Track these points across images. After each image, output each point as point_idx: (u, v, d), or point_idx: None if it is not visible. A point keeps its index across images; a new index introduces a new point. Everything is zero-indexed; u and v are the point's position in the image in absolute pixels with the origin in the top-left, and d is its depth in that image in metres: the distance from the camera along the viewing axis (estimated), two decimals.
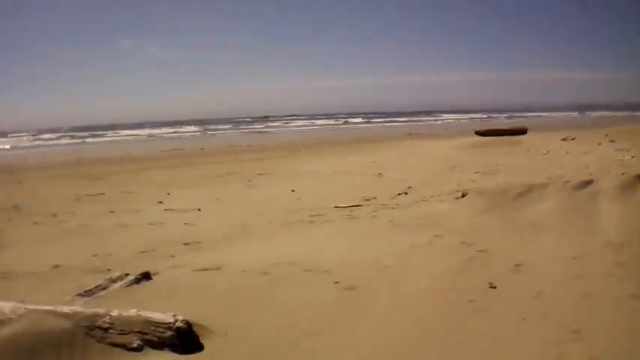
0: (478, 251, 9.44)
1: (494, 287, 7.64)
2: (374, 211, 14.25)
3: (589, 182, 12.68)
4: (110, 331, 5.96)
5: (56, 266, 10.27)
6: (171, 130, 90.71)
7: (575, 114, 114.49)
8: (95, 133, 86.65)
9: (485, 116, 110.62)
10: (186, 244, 11.84)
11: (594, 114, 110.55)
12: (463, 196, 13.98)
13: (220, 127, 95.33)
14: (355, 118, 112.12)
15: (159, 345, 5.93)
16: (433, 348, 5.97)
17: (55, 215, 16.23)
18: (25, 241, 12.84)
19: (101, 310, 6.25)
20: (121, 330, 5.97)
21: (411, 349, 5.94)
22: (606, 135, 33.07)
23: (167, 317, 6.07)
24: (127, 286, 8.32)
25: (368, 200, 16.29)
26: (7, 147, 66.53)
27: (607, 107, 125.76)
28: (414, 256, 9.47)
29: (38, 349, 5.69)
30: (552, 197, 12.40)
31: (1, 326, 5.99)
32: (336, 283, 8.10)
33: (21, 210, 17.30)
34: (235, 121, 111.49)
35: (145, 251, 11.31)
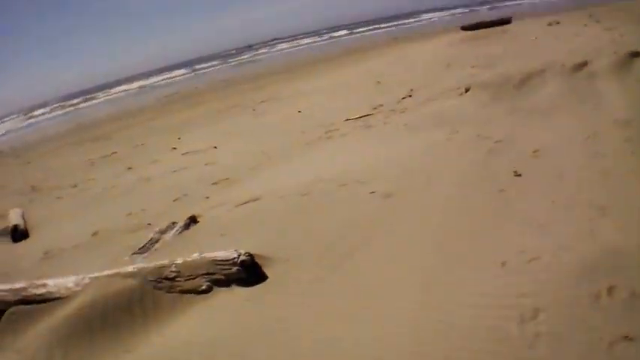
0: (495, 142, 9.63)
1: (519, 175, 7.84)
2: (386, 118, 14.40)
3: (584, 64, 13.09)
4: (178, 279, 6.12)
5: (95, 233, 10.39)
6: (160, 78, 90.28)
7: None
8: (87, 96, 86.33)
9: (467, 10, 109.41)
10: (214, 183, 12.00)
11: None
12: (467, 90, 14.24)
13: (208, 64, 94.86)
14: (338, 31, 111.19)
15: (226, 282, 6.11)
16: (474, 239, 6.19)
17: (75, 186, 16.28)
18: (54, 218, 12.89)
19: (165, 261, 6.42)
20: (188, 276, 6.14)
21: (453, 243, 6.17)
22: (590, 15, 32.73)
23: (230, 253, 6.22)
24: (179, 233, 8.51)
25: (375, 108, 16.39)
26: (3, 132, 66.32)
27: None
28: (437, 155, 9.66)
29: (110, 313, 5.83)
30: (552, 81, 12.72)
31: (68, 301, 6.13)
32: (372, 192, 8.28)
33: (39, 189, 17.26)
34: (221, 56, 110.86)
35: (177, 199, 11.46)
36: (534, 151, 8.68)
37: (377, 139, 12.22)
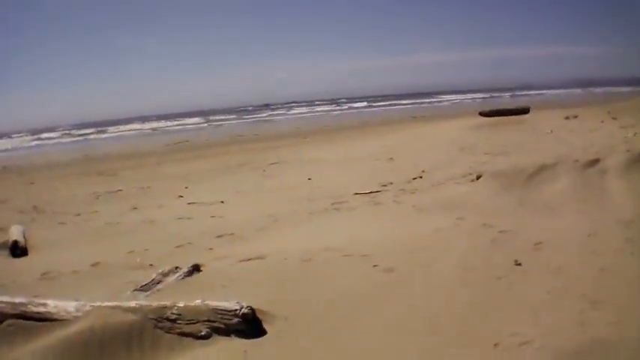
0: (499, 232, 9.75)
1: (520, 264, 7.99)
2: (395, 197, 14.51)
3: (596, 161, 13.24)
4: (178, 321, 6.19)
5: (96, 264, 10.49)
6: (174, 122, 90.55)
7: (578, 90, 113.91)
8: (98, 129, 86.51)
9: (488, 95, 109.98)
10: (219, 236, 12.07)
11: (597, 90, 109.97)
12: (478, 178, 14.32)
13: (223, 117, 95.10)
14: (358, 102, 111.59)
15: (226, 332, 6.17)
16: (469, 320, 6.35)
17: (78, 214, 16.39)
18: (55, 241, 12.98)
19: (167, 302, 6.49)
20: (189, 320, 6.21)
21: (451, 326, 6.27)
22: (609, 112, 33.06)
23: (233, 305, 6.31)
24: (181, 278, 8.56)
25: (385, 185, 16.49)
26: (9, 147, 66.36)
27: (610, 83, 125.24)
28: (442, 238, 9.78)
29: (108, 343, 5.90)
30: (563, 176, 12.87)
31: (67, 324, 6.21)
32: (375, 266, 8.38)
33: (42, 210, 17.39)
34: (237, 111, 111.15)
35: (180, 245, 11.52)
36: (536, 244, 8.86)
37: (384, 216, 12.40)
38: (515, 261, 8.07)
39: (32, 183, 25.89)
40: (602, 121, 28.67)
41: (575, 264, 7.81)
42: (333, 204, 14.43)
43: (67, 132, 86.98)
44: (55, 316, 6.40)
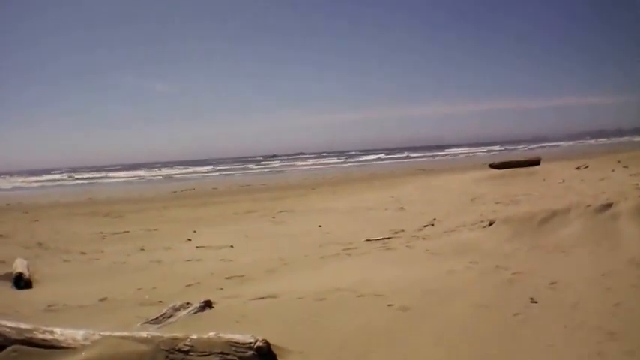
0: (513, 273, 9.68)
1: (535, 302, 7.97)
2: (407, 242, 14.42)
3: (609, 205, 13.05)
4: (191, 353, 6.04)
5: (103, 299, 10.39)
6: (180, 170, 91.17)
7: (589, 141, 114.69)
8: (102, 174, 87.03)
9: (500, 148, 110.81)
10: (228, 277, 11.94)
11: (608, 140, 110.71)
12: (490, 224, 14.20)
13: (229, 166, 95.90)
14: (366, 155, 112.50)
15: None
16: (485, 354, 6.35)
17: (83, 253, 16.29)
18: (60, 277, 12.86)
19: (180, 334, 6.34)
20: (201, 352, 6.05)
21: (466, 356, 6.33)
22: (619, 161, 33.30)
23: (247, 337, 6.17)
24: (193, 313, 8.42)
25: (397, 233, 16.41)
26: (10, 187, 66.68)
27: (620, 133, 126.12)
28: (456, 280, 9.71)
29: None
30: (575, 221, 12.75)
31: (74, 353, 6.03)
32: (390, 305, 8.28)
33: (46, 247, 17.33)
34: (244, 161, 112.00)
35: (190, 284, 11.41)
36: (551, 283, 8.81)
37: (397, 260, 12.24)
38: (531, 299, 8.07)
39: (37, 220, 25.96)
40: (613, 170, 28.89)
41: (590, 300, 7.83)
42: (344, 249, 14.32)
43: (70, 175, 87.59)
44: (62, 344, 6.24)
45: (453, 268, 10.46)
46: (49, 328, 6.44)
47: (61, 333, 6.37)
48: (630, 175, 24.78)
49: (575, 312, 7.37)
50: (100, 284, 11.82)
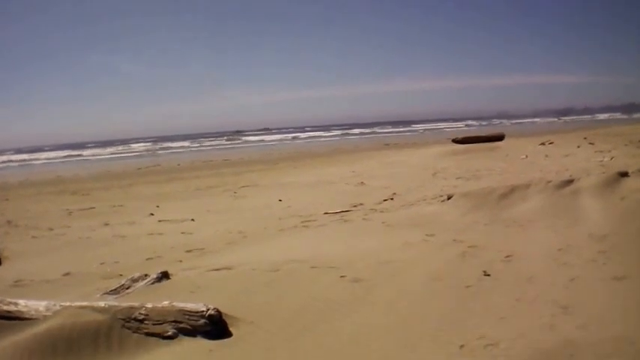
0: (469, 246, 9.85)
1: (488, 275, 8.10)
2: (365, 215, 14.71)
3: (570, 181, 13.15)
4: (146, 322, 6.34)
5: (67, 274, 10.67)
6: (146, 146, 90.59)
7: (554, 119, 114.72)
8: (63, 152, 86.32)
9: (463, 124, 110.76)
10: (188, 250, 12.25)
11: (574, 118, 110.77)
12: (449, 198, 14.40)
13: (194, 143, 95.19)
14: (331, 130, 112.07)
15: (192, 332, 6.31)
16: (435, 324, 6.50)
17: (51, 229, 16.55)
18: (28, 253, 13.18)
19: (136, 303, 6.63)
20: (156, 320, 6.35)
21: (416, 330, 6.42)
22: (585, 138, 33.43)
23: (199, 306, 6.48)
24: (150, 284, 8.66)
25: (356, 206, 16.70)
26: None
27: (588, 111, 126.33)
28: (411, 252, 9.88)
29: (76, 341, 6.03)
30: (535, 196, 12.87)
31: (37, 323, 6.35)
32: (342, 277, 8.50)
33: (15, 225, 17.57)
34: (210, 136, 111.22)
35: (150, 258, 11.73)
36: (506, 256, 8.94)
37: (353, 232, 12.47)
38: (484, 272, 8.21)
39: (7, 200, 26.06)
40: (579, 147, 28.97)
41: (545, 274, 7.94)
42: (302, 222, 14.64)
43: (41, 153, 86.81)
44: (25, 315, 6.53)
45: (409, 241, 10.67)
46: (13, 300, 6.73)
47: (24, 305, 6.66)
48: (595, 152, 24.98)
49: (529, 285, 7.52)
50: (65, 259, 12.14)
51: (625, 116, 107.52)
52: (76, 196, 26.26)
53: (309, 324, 6.76)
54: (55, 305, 6.65)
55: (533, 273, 8.01)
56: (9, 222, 18.00)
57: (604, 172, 14.68)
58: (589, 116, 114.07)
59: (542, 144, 33.09)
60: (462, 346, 5.82)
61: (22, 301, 6.75)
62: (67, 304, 6.68)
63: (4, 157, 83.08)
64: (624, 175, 12.93)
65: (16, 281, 10.24)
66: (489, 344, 5.78)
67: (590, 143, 29.98)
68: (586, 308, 6.49)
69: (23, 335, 6.13)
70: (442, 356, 5.68)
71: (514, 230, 10.97)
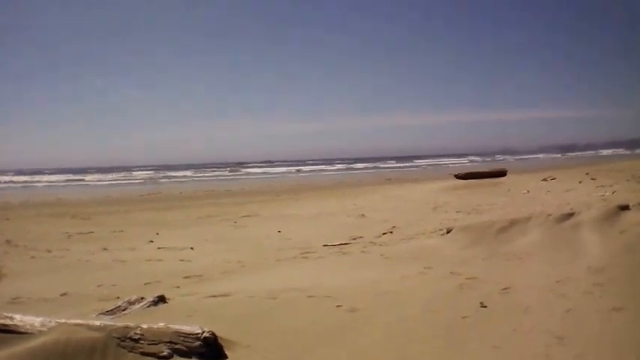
0: (467, 278, 9.87)
1: (485, 306, 8.12)
2: (364, 248, 14.73)
3: (570, 214, 13.18)
4: (141, 341, 6.32)
5: (64, 294, 10.74)
6: (148, 174, 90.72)
7: (558, 155, 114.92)
8: (65, 177, 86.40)
9: (466, 160, 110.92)
10: (186, 277, 12.30)
11: (577, 154, 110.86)
12: (448, 232, 14.37)
13: (195, 173, 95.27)
14: (333, 164, 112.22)
15: (187, 354, 6.29)
16: (431, 354, 6.53)
17: (49, 251, 16.58)
18: (26, 273, 13.21)
19: (131, 323, 6.62)
20: (151, 340, 6.33)
21: (411, 355, 6.49)
22: (587, 173, 33.41)
23: (195, 328, 6.46)
24: (146, 307, 8.69)
25: (355, 239, 16.69)
26: None
27: (591, 147, 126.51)
28: (408, 284, 9.89)
29: (70, 357, 6.02)
30: (535, 229, 12.88)
31: (31, 338, 6.35)
32: (339, 306, 8.49)
33: (15, 245, 17.60)
34: (210, 168, 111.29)
35: (149, 283, 11.75)
36: (504, 288, 8.95)
37: (352, 264, 12.49)
38: (481, 303, 8.22)
39: (7, 219, 26.06)
40: (580, 182, 28.94)
41: (542, 306, 7.97)
42: (301, 253, 14.65)
43: (42, 175, 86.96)
44: (21, 330, 6.52)
45: (407, 273, 10.69)
46: (9, 315, 6.72)
47: (20, 319, 6.65)
48: (597, 187, 24.97)
49: (526, 316, 7.55)
50: (63, 280, 12.14)
51: (628, 152, 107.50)
52: (76, 219, 26.28)
53: (304, 349, 6.77)
54: (50, 322, 6.65)
55: (530, 304, 8.05)
56: (8, 241, 18.03)
57: (604, 206, 14.52)
58: (592, 152, 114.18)
59: (545, 179, 33.06)
60: None
61: (17, 316, 6.75)
62: (63, 320, 6.69)
63: (6, 178, 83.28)
64: (625, 208, 12.98)
65: (13, 298, 10.30)
66: None
67: (592, 179, 29.95)
68: (581, 339, 6.52)
69: (17, 349, 6.12)
70: None
71: (513, 263, 10.98)
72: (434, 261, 11.74)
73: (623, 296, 7.93)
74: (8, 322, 6.61)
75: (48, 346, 6.11)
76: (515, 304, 8.17)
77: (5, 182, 76.92)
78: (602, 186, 24.54)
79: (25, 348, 6.11)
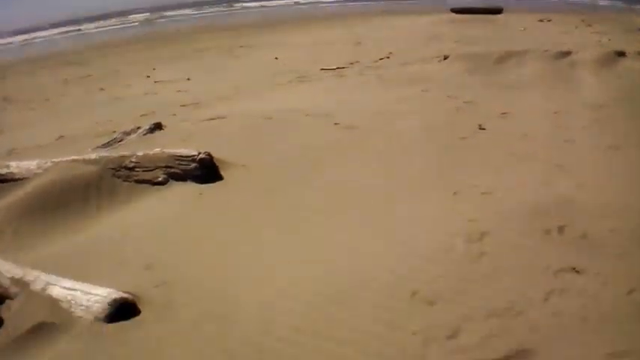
0: (465, 102, 9.87)
1: (484, 129, 8.16)
2: (361, 72, 14.60)
3: (568, 53, 13.17)
4: (136, 169, 6.36)
5: (61, 137, 10.67)
6: (140, 16, 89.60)
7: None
8: (65, 28, 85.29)
9: None
10: (183, 105, 12.28)
11: None
12: (445, 58, 14.31)
13: (188, 10, 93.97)
14: None
15: (182, 177, 6.37)
16: (430, 170, 6.60)
17: (47, 99, 16.46)
18: (24, 125, 13.15)
19: (127, 152, 6.65)
20: (146, 167, 6.39)
21: (410, 171, 6.55)
22: (583, 20, 32.92)
23: (190, 151, 6.50)
24: (143, 135, 8.71)
25: (352, 64, 16.56)
26: None
27: None
28: (406, 104, 9.88)
29: (66, 195, 6.08)
30: (531, 63, 12.86)
31: (28, 181, 6.37)
32: (337, 124, 8.53)
33: (13, 101, 17.42)
34: (205, 3, 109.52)
35: (145, 114, 11.70)
36: (502, 113, 8.98)
37: (350, 85, 12.46)
38: (480, 125, 8.24)
39: (4, 78, 25.79)
40: (577, 27, 28.50)
41: (540, 133, 7.96)
42: (297, 77, 14.56)
43: (40, 32, 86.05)
44: (18, 176, 6.60)
45: (404, 95, 10.66)
46: (5, 163, 6.81)
47: (16, 166, 6.72)
48: (594, 32, 24.59)
49: (524, 142, 7.57)
50: (59, 125, 12.07)
51: (625, 5, 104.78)
52: (73, 65, 25.93)
53: (301, 169, 6.83)
54: (46, 162, 6.67)
55: (529, 131, 8.04)
56: (5, 98, 17.83)
57: (600, 49, 14.37)
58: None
59: (541, 20, 32.61)
60: (455, 193, 5.89)
61: (13, 163, 6.80)
62: (58, 159, 6.69)
63: (3, 41, 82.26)
64: (621, 54, 12.92)
65: (9, 151, 10.15)
66: (484, 193, 5.86)
67: (588, 25, 29.49)
68: (581, 170, 6.50)
69: (14, 195, 6.17)
70: (435, 201, 5.73)
71: (510, 91, 10.93)
72: (431, 85, 11.69)
73: (620, 135, 7.87)
74: (4, 170, 6.66)
75: (43, 190, 6.16)
76: (513, 129, 8.18)
77: (2, 44, 76.02)
78: (598, 32, 24.11)
79: (20, 195, 6.17)
